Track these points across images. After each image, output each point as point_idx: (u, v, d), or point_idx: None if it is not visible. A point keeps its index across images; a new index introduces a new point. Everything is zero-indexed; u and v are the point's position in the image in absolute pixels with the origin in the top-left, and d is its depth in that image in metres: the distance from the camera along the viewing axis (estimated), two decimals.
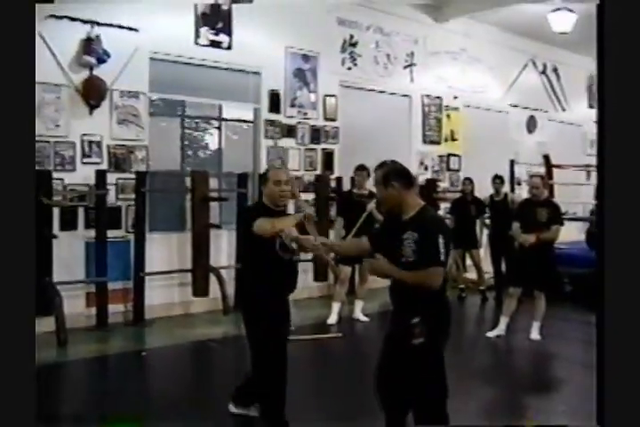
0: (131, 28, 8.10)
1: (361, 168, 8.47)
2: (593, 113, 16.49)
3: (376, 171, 4.08)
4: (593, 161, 16.12)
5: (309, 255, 9.54)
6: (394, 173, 3.99)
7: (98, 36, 7.78)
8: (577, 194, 14.13)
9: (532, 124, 14.62)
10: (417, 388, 3.97)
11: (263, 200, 4.70)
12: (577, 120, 16.11)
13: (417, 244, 3.81)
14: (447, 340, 4.04)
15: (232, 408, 4.92)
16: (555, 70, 15.06)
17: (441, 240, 3.78)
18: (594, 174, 16.17)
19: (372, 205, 7.94)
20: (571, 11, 11.44)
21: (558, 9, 11.47)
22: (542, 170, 12.60)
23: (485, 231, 10.69)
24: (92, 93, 7.82)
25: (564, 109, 15.54)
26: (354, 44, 10.71)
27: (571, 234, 9.36)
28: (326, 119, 10.37)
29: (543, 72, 14.82)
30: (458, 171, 12.56)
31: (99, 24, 7.84)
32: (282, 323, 4.68)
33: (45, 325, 7.15)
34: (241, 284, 4.80)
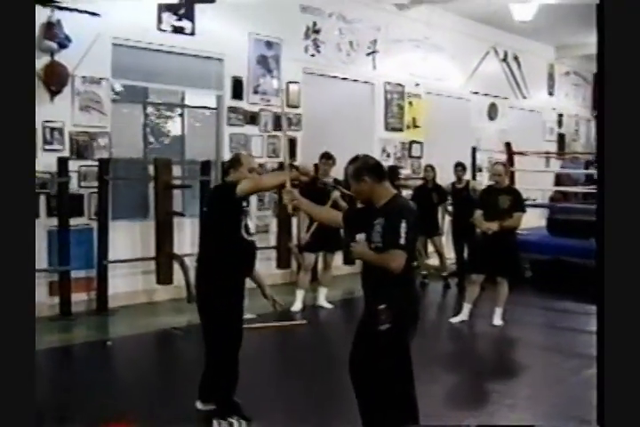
0: (92, 13, 7.94)
1: (326, 156, 8.45)
2: (552, 100, 16.80)
3: (348, 165, 4.15)
4: (551, 148, 16.51)
5: (272, 242, 9.68)
6: (365, 168, 4.06)
7: (59, 21, 7.64)
8: (536, 180, 14.31)
9: (493, 112, 14.75)
10: (382, 374, 4.03)
11: (232, 182, 4.68)
12: (537, 107, 16.31)
13: (383, 229, 3.93)
14: (415, 327, 4.11)
15: (199, 405, 4.83)
16: (515, 58, 15.18)
17: (403, 224, 3.87)
18: (553, 161, 16.46)
19: (336, 194, 8.05)
20: None
21: None
22: (503, 157, 12.72)
23: (447, 218, 10.78)
24: (54, 79, 7.69)
25: (524, 97, 15.70)
26: (317, 31, 10.68)
27: (531, 220, 9.48)
28: (289, 106, 10.32)
29: (504, 60, 14.93)
30: (420, 158, 12.62)
31: (59, 8, 7.67)
32: (240, 305, 4.75)
33: None
34: (201, 267, 4.82)
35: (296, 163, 10.01)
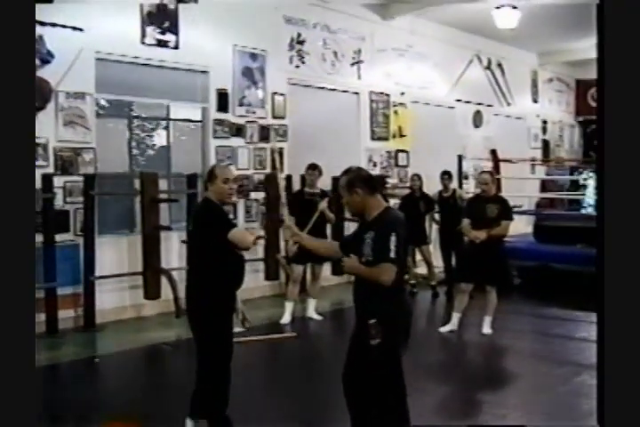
0: (75, 28, 7.95)
1: (312, 167, 8.45)
2: (536, 107, 16.85)
3: (341, 177, 4.18)
4: (536, 154, 16.57)
5: (260, 254, 9.65)
6: (357, 180, 4.08)
7: (41, 37, 7.61)
8: (522, 187, 14.36)
9: (478, 119, 14.79)
10: (375, 387, 4.03)
11: (210, 197, 4.71)
12: (521, 114, 16.38)
13: (374, 242, 3.93)
14: (407, 340, 4.12)
15: (189, 423, 4.73)
16: (499, 65, 15.25)
17: (393, 238, 3.88)
18: (538, 168, 16.51)
19: (323, 205, 8.03)
20: (514, 7, 11.58)
21: (502, 6, 11.60)
22: (490, 164, 12.75)
23: (435, 227, 10.78)
24: (37, 95, 7.64)
25: (508, 104, 15.76)
26: (301, 42, 10.69)
27: (517, 227, 9.50)
28: (275, 117, 10.33)
29: (488, 67, 14.99)
30: (406, 167, 12.64)
31: (42, 24, 7.66)
32: (230, 319, 4.74)
33: None
34: (193, 281, 4.82)
35: (282, 175, 10.02)
